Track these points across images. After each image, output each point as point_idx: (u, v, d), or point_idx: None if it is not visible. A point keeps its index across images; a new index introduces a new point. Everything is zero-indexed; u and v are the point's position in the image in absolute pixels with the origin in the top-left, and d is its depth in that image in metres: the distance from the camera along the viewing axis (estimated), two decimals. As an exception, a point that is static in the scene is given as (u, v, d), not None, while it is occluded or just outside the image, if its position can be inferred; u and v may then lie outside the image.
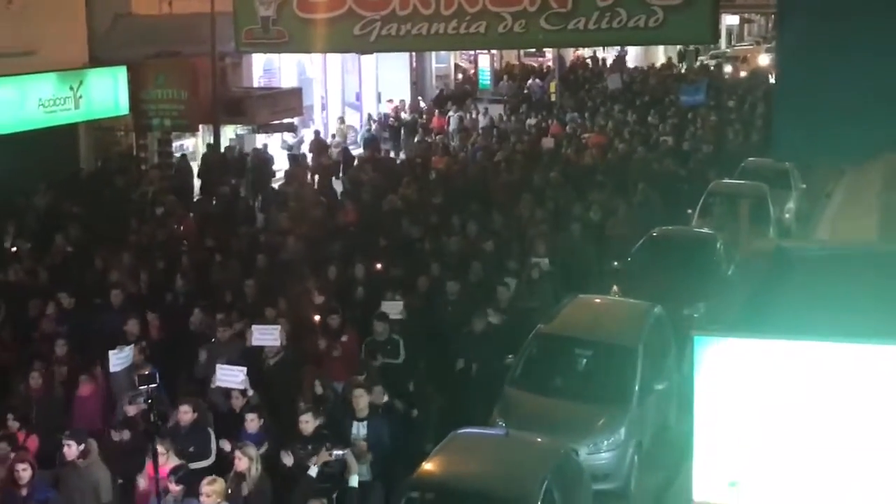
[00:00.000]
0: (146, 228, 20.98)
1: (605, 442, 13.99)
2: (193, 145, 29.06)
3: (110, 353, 13.72)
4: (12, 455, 11.71)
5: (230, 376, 13.06)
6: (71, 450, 11.72)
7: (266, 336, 14.30)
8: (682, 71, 54.74)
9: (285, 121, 30.35)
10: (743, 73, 54.77)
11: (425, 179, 26.45)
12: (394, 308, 15.59)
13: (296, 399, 13.35)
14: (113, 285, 16.93)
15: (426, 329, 16.01)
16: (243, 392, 13.00)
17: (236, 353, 14.34)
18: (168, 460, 11.52)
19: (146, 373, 13.47)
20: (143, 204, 23.23)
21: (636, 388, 14.66)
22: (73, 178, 24.68)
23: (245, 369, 13.15)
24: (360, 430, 12.36)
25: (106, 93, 25.04)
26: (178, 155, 28.86)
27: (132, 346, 14.19)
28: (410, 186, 24.72)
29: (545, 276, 17.88)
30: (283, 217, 21.97)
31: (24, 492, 11.23)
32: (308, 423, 12.01)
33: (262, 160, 28.81)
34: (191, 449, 12.04)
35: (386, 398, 13.03)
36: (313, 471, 11.52)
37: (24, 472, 11.28)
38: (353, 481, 11.52)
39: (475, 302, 16.34)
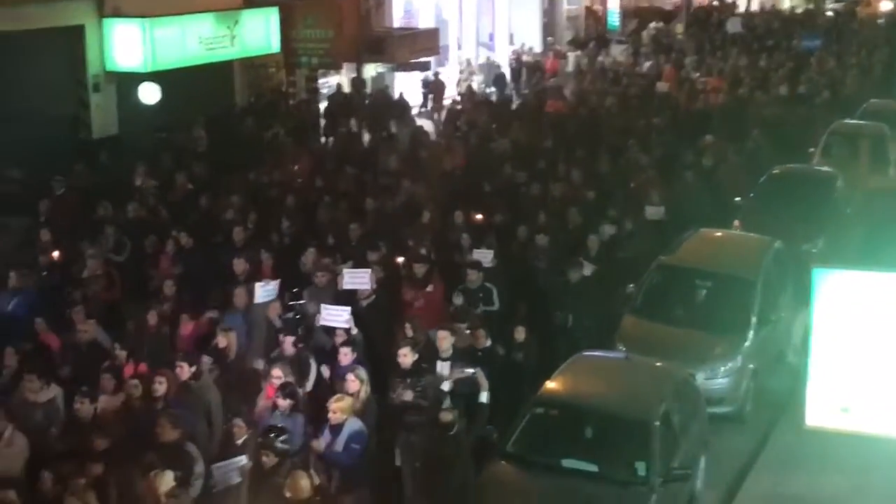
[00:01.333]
0: (266, 167, 20.61)
1: (722, 368, 13.88)
2: (337, 83, 29.19)
3: (257, 285, 13.63)
4: (131, 383, 11.73)
5: (335, 316, 12.89)
6: (183, 371, 11.81)
7: (357, 279, 13.91)
8: (828, 13, 52.58)
9: (422, 60, 30.28)
10: (866, 18, 52.72)
11: (538, 123, 25.40)
12: (485, 256, 15.04)
13: (387, 340, 13.21)
14: (232, 223, 16.64)
15: (521, 278, 15.28)
16: (347, 331, 12.79)
17: (331, 295, 13.84)
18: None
19: (294, 290, 13.79)
20: (274, 143, 23.07)
21: (754, 318, 14.46)
22: (227, 114, 24.93)
23: (349, 309, 13.00)
24: (443, 369, 12.16)
25: (259, 32, 25.25)
26: (324, 91, 28.99)
27: (278, 280, 13.98)
28: (521, 130, 23.95)
29: (647, 226, 17.11)
30: (391, 160, 21.35)
31: (159, 405, 11.44)
32: (406, 356, 11.85)
33: (384, 101, 28.39)
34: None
35: (489, 342, 12.70)
36: (446, 385, 11.69)
37: (161, 385, 11.46)
38: (483, 397, 11.62)
39: (569, 251, 15.70)
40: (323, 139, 25.82)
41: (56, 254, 15.62)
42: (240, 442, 10.65)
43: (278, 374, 11.71)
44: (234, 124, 24.10)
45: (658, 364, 12.78)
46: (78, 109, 22.20)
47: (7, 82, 20.30)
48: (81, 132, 22.20)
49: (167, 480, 9.79)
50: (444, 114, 29.33)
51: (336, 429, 10.91)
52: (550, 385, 11.95)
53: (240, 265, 14.81)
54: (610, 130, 24.15)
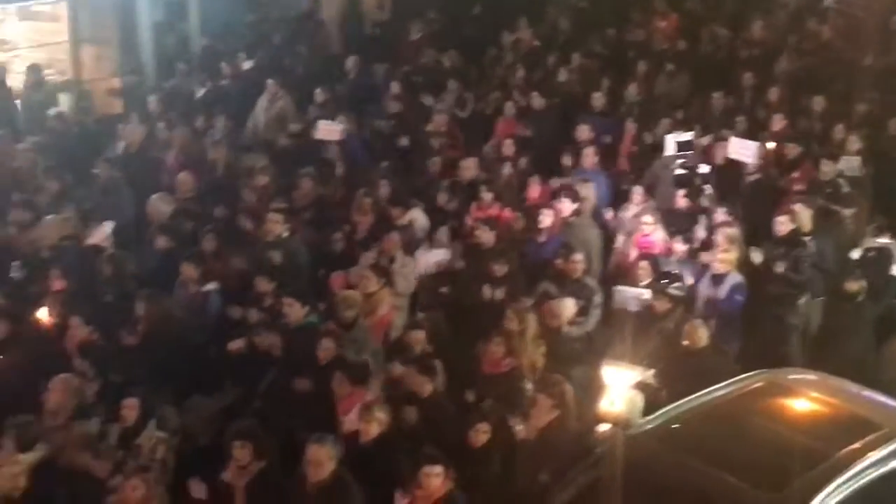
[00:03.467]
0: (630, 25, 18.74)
1: None
2: None
3: (667, 136, 13.22)
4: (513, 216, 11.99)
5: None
6: (565, 207, 11.87)
7: (744, 150, 13.06)
8: None
9: None
10: None
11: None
12: (849, 163, 13.12)
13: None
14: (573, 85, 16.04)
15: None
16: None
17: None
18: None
19: (682, 140, 13.27)
20: None
21: None
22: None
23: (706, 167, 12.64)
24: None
25: None
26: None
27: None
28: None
29: None
30: (762, 26, 18.04)
31: (542, 237, 11.64)
32: (784, 224, 11.27)
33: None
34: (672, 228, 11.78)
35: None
36: (855, 254, 11.27)
37: (546, 217, 11.63)
38: (895, 270, 11.04)
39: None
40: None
41: (399, 105, 15.41)
42: (644, 282, 10.59)
43: (649, 221, 11.67)
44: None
45: None
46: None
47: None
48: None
49: (569, 308, 9.96)
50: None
51: (719, 278, 10.77)
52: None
53: (584, 132, 14.18)
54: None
